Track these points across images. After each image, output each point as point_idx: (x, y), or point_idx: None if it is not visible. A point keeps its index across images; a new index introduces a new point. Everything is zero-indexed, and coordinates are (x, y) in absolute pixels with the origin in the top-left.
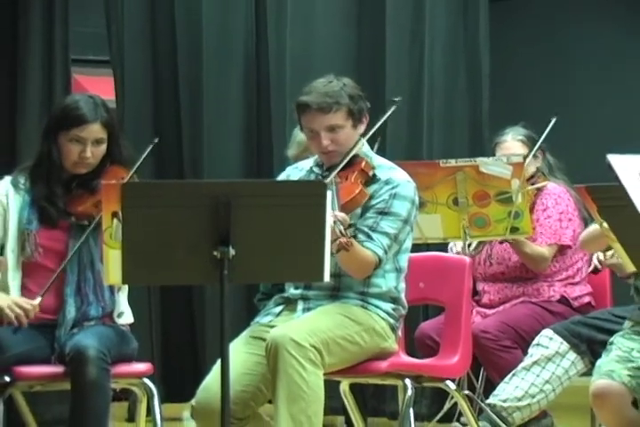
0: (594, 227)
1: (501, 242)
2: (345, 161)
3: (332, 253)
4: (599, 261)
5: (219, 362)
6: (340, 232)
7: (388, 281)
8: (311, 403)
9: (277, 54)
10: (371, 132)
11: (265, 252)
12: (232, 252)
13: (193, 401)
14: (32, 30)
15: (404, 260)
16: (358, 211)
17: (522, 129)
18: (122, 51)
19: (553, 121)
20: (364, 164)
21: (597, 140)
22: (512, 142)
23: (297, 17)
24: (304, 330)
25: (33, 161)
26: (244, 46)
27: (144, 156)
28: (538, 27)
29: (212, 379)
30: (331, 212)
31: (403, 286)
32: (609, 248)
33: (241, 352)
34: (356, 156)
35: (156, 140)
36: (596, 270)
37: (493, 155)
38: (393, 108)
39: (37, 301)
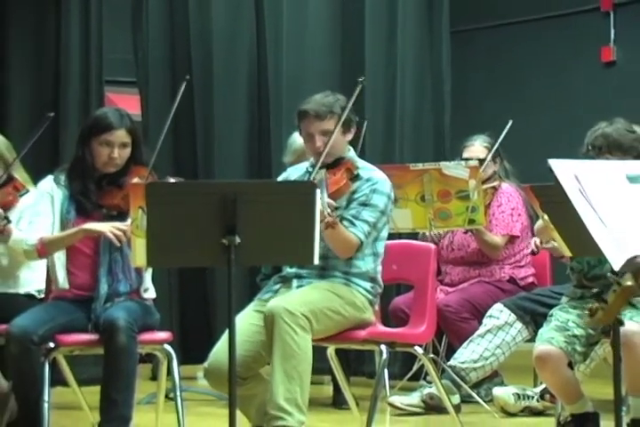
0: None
1: (465, 232)
2: (323, 155)
3: (321, 232)
4: (536, 246)
5: (226, 332)
6: (328, 214)
7: (367, 263)
8: (301, 361)
9: (275, 76)
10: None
11: (265, 239)
12: (237, 240)
13: (205, 364)
14: (72, 57)
15: (381, 246)
16: (344, 203)
17: (487, 137)
18: (146, 73)
19: (509, 125)
20: (349, 164)
21: (542, 146)
22: (478, 147)
23: (291, 45)
24: (296, 302)
25: (70, 162)
26: (248, 69)
27: (166, 127)
28: (490, 53)
29: (221, 346)
30: (321, 197)
31: (379, 268)
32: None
33: (244, 323)
34: (343, 157)
35: (173, 110)
36: (533, 253)
37: (460, 156)
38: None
39: (129, 222)
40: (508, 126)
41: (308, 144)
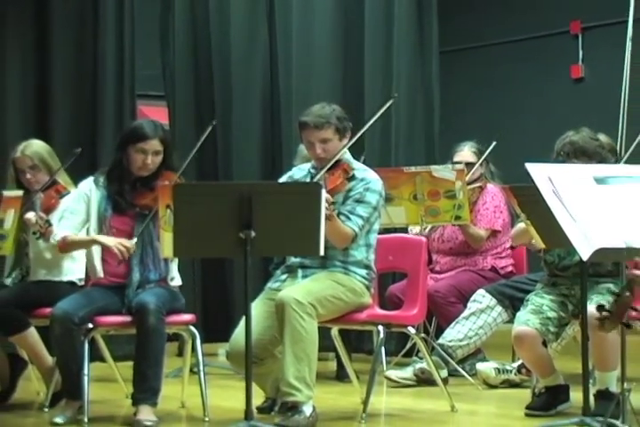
0: (518, 226)
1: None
2: (330, 163)
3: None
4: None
5: (243, 319)
6: (326, 207)
7: (361, 253)
8: (309, 344)
9: (286, 91)
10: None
11: (277, 234)
12: (253, 234)
13: (227, 347)
14: (108, 74)
15: (373, 238)
16: (341, 200)
17: (475, 144)
18: (173, 88)
19: (492, 145)
20: (345, 166)
21: (519, 152)
22: (467, 152)
23: (300, 64)
24: (303, 291)
25: (109, 166)
26: (262, 85)
27: (203, 137)
28: (473, 70)
29: (239, 331)
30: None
31: (372, 257)
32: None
33: (258, 311)
34: (340, 160)
35: (214, 123)
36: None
37: (451, 159)
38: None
39: (134, 241)
40: (491, 146)
41: (309, 151)
